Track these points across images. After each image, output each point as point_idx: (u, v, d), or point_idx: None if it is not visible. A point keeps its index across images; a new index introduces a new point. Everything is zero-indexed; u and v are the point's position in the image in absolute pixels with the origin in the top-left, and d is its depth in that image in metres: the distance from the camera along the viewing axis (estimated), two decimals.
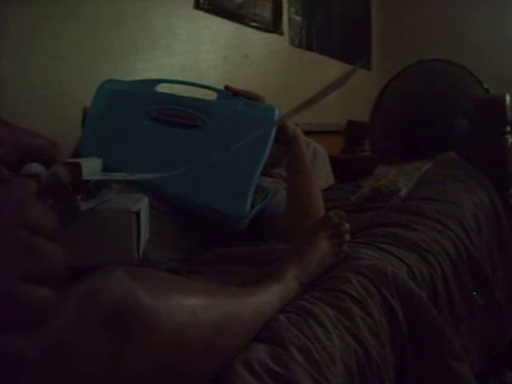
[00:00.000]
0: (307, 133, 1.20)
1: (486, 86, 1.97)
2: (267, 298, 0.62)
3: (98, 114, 1.03)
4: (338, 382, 0.55)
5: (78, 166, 0.34)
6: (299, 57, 2.67)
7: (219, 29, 2.06)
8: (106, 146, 1.00)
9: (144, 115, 1.00)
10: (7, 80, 1.27)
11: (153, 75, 1.63)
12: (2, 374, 0.25)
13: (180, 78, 1.12)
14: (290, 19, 2.57)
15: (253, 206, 0.96)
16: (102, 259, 0.39)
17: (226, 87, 1.02)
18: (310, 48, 2.77)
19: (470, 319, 1.05)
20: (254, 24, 2.25)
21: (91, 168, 0.37)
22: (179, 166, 0.96)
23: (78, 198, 0.35)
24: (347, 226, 0.85)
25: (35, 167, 0.31)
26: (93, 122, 1.04)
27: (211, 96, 1.04)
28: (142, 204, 0.41)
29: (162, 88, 1.06)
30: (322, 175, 1.83)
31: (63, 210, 0.32)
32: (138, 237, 0.39)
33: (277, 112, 0.98)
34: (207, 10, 1.97)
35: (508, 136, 1.66)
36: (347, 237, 0.85)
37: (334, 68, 3.08)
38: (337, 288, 0.71)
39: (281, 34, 2.48)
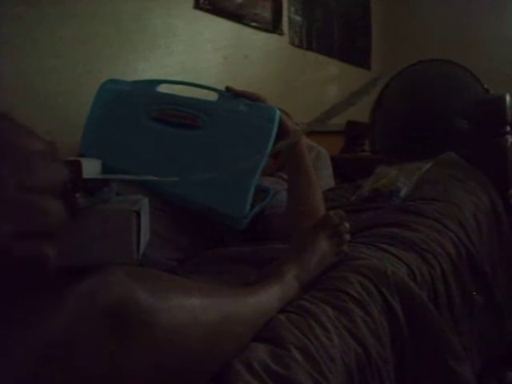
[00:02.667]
0: (307, 133, 1.20)
1: (485, 85, 1.97)
2: (267, 297, 0.62)
3: (98, 113, 1.03)
4: (338, 382, 0.55)
5: (78, 164, 0.34)
6: (299, 57, 2.67)
7: (219, 29, 2.06)
8: (106, 145, 1.00)
9: (145, 115, 1.00)
10: (6, 80, 1.27)
11: (152, 75, 1.63)
12: (29, 275, 0.27)
13: (180, 78, 1.12)
14: (289, 19, 2.57)
15: (253, 206, 0.96)
16: (102, 259, 0.39)
17: (227, 88, 1.02)
18: (309, 48, 2.76)
19: (470, 319, 1.05)
20: (253, 24, 2.25)
21: (91, 168, 0.38)
22: (179, 166, 0.97)
23: (78, 195, 0.35)
24: (347, 225, 0.85)
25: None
26: (93, 122, 1.04)
27: (212, 97, 1.04)
28: (143, 204, 0.41)
29: (162, 88, 1.06)
30: (325, 177, 1.83)
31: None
32: (138, 236, 0.39)
33: (277, 113, 0.98)
34: (207, 10, 1.97)
35: (508, 136, 1.66)
36: (347, 237, 0.85)
37: (334, 68, 3.08)
38: (337, 288, 0.71)
39: (281, 34, 2.48)
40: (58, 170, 0.29)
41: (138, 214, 0.39)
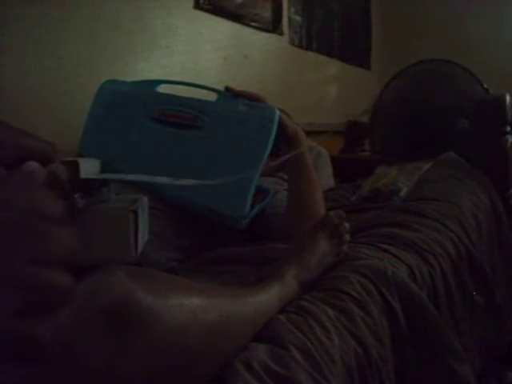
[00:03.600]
0: (307, 133, 1.20)
1: (485, 85, 1.97)
2: (267, 297, 0.62)
3: (98, 114, 1.03)
4: (338, 382, 0.55)
5: (76, 164, 0.34)
6: (299, 57, 2.67)
7: (219, 29, 2.06)
8: (106, 146, 1.00)
9: (144, 115, 1.00)
10: (6, 80, 1.27)
11: (152, 75, 1.63)
12: (17, 357, 0.25)
13: (180, 78, 1.12)
14: (290, 19, 2.57)
15: (253, 207, 0.96)
16: (101, 258, 0.39)
17: (227, 88, 1.02)
18: (309, 48, 2.77)
19: (470, 319, 1.05)
20: (253, 24, 2.25)
21: (90, 168, 0.38)
22: (179, 166, 0.97)
23: (76, 195, 0.35)
24: (347, 225, 0.85)
25: (33, 166, 0.31)
26: (93, 122, 1.04)
27: (212, 97, 1.04)
28: (141, 203, 0.42)
29: (162, 88, 1.06)
30: (325, 177, 1.83)
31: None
32: (136, 235, 0.39)
33: (277, 113, 0.98)
34: (207, 10, 1.97)
35: (508, 136, 1.66)
36: (347, 237, 0.85)
37: (334, 68, 3.08)
38: (337, 288, 0.71)
39: (281, 34, 2.48)
40: (71, 236, 0.27)
41: (136, 212, 0.39)
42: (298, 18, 2.66)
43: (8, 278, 0.24)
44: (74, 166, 0.34)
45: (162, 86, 1.06)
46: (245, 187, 0.94)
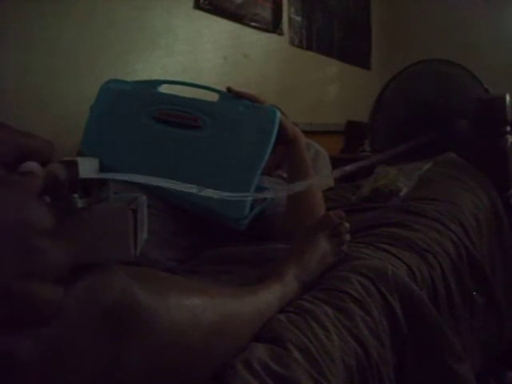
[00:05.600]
0: (307, 133, 1.20)
1: (485, 85, 1.97)
2: (267, 297, 0.62)
3: (99, 113, 1.03)
4: (338, 382, 0.55)
5: (75, 164, 0.34)
6: (299, 57, 2.67)
7: (219, 29, 2.06)
8: (107, 145, 1.00)
9: (145, 115, 1.00)
10: (5, 80, 1.27)
11: (152, 75, 1.63)
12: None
13: (180, 78, 1.12)
14: (290, 19, 2.58)
15: (253, 207, 0.96)
16: (100, 257, 0.39)
17: (228, 89, 1.02)
18: (309, 48, 2.77)
19: (470, 319, 1.05)
20: (253, 24, 2.26)
21: (89, 167, 0.38)
22: (180, 166, 0.96)
23: (75, 195, 0.35)
24: (347, 225, 0.85)
25: (32, 166, 0.31)
26: (94, 121, 1.04)
27: (213, 97, 1.04)
28: (140, 202, 0.42)
29: (163, 88, 1.06)
30: (324, 176, 1.83)
31: (60, 207, 0.32)
32: (135, 234, 0.39)
33: (278, 114, 0.98)
34: (207, 10, 1.97)
35: (508, 136, 1.66)
36: (347, 237, 0.85)
37: (334, 68, 3.08)
38: (337, 288, 0.71)
39: (281, 34, 2.49)
40: (62, 248, 0.27)
41: (135, 211, 0.39)
42: (298, 18, 2.66)
43: None
44: (73, 166, 0.34)
45: (164, 85, 1.06)
46: (245, 188, 0.94)
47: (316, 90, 2.82)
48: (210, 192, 0.43)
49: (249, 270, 0.83)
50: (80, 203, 0.36)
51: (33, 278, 0.25)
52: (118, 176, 0.39)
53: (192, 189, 0.42)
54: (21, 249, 0.25)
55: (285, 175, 1.24)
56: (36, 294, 0.25)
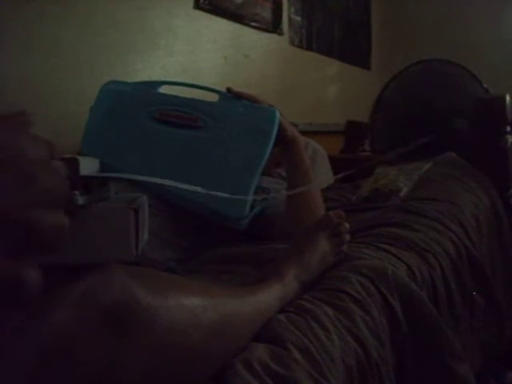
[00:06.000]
0: (307, 133, 1.20)
1: (485, 85, 1.97)
2: (267, 297, 0.62)
3: (99, 114, 1.03)
4: (338, 382, 0.55)
5: (76, 162, 0.34)
6: (299, 57, 2.67)
7: (219, 29, 2.06)
8: (107, 146, 1.00)
9: (145, 116, 1.00)
10: (5, 80, 1.27)
11: (152, 75, 1.63)
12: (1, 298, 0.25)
13: (180, 78, 1.13)
14: (290, 19, 2.58)
15: (253, 207, 0.96)
16: (101, 257, 0.39)
17: (228, 89, 1.02)
18: (309, 48, 2.77)
19: (470, 319, 1.05)
20: (253, 24, 2.26)
21: (89, 166, 0.37)
22: (180, 166, 0.96)
23: (76, 192, 0.35)
24: (347, 225, 0.85)
25: None
26: (94, 122, 1.04)
27: (213, 98, 1.04)
28: (141, 202, 0.42)
29: (163, 89, 1.06)
30: (322, 175, 1.83)
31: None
32: (137, 234, 0.39)
33: (278, 114, 0.98)
34: (207, 10, 1.97)
35: (508, 136, 1.66)
36: (347, 237, 0.85)
37: (333, 68, 3.08)
38: (337, 288, 0.71)
39: (281, 34, 2.49)
40: (60, 176, 0.28)
41: (136, 211, 0.39)
42: (298, 18, 2.66)
43: None
44: (73, 164, 0.34)
45: (163, 86, 1.06)
46: (245, 188, 0.94)
47: (316, 90, 2.82)
48: (215, 192, 0.43)
49: (249, 269, 0.83)
50: (81, 200, 0.36)
51: (33, 205, 0.25)
52: (123, 176, 0.39)
53: (197, 189, 0.43)
54: (17, 178, 0.25)
55: (284, 174, 1.24)
56: (38, 219, 0.25)
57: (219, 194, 0.43)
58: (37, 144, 0.27)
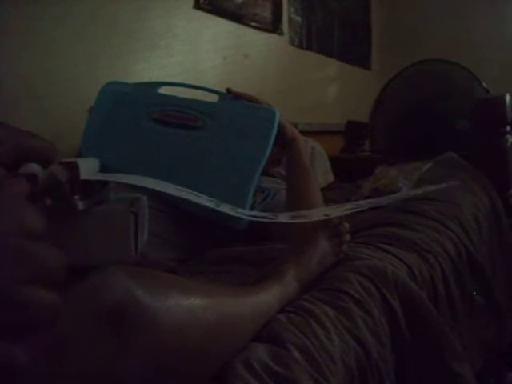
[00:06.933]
0: (307, 133, 1.20)
1: (485, 85, 1.97)
2: (267, 297, 0.62)
3: (99, 115, 1.03)
4: (338, 382, 0.55)
5: (76, 166, 0.34)
6: (299, 57, 2.67)
7: (219, 29, 2.06)
8: (106, 147, 1.00)
9: (145, 116, 1.00)
10: (5, 80, 1.27)
11: (152, 75, 1.63)
12: None
13: (180, 78, 1.13)
14: (290, 19, 2.58)
15: (253, 207, 0.96)
16: (101, 258, 0.39)
17: (228, 90, 1.02)
18: (309, 48, 2.77)
19: (470, 319, 1.05)
20: (253, 24, 2.26)
21: (89, 168, 0.38)
22: (180, 167, 0.96)
23: (76, 197, 0.35)
24: (347, 225, 0.85)
25: (33, 167, 0.31)
26: (94, 123, 1.04)
27: (212, 98, 1.04)
28: (141, 204, 0.42)
29: (163, 90, 1.06)
30: (320, 173, 1.83)
31: (61, 209, 0.32)
32: (136, 236, 0.39)
33: (277, 114, 0.98)
34: (207, 10, 1.97)
35: (508, 136, 1.66)
36: (347, 237, 0.85)
37: (333, 68, 3.08)
38: (337, 288, 0.71)
39: (281, 34, 2.49)
40: (54, 252, 0.26)
41: (136, 213, 0.39)
42: (298, 18, 2.66)
43: None
44: (73, 168, 0.34)
45: (163, 87, 1.06)
46: (245, 188, 0.94)
47: (316, 90, 2.82)
48: (227, 208, 0.43)
49: (249, 269, 0.83)
50: (81, 205, 0.36)
51: (29, 283, 0.24)
52: (118, 177, 0.39)
53: (211, 203, 0.43)
54: (13, 255, 0.24)
55: (283, 172, 1.25)
56: (33, 297, 0.24)
57: (227, 208, 0.43)
58: (32, 215, 0.26)
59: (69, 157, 0.35)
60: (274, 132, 0.96)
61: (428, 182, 1.49)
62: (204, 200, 0.42)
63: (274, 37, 2.43)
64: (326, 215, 0.72)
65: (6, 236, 0.24)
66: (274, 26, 2.42)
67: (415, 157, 1.71)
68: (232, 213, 0.44)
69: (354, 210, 0.76)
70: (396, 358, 0.70)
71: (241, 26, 2.18)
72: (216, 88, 1.05)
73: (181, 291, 0.46)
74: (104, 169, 0.43)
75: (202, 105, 1.00)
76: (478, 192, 1.49)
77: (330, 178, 1.90)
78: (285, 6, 2.52)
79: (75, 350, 0.36)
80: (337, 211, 0.73)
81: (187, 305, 0.45)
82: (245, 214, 0.46)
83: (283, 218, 0.65)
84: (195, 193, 0.42)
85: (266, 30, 2.36)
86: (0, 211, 0.25)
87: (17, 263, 0.24)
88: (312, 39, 2.78)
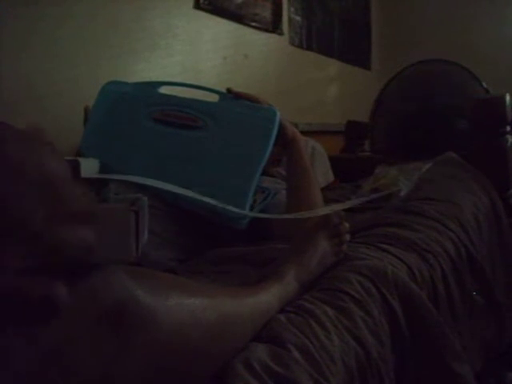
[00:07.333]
0: (307, 133, 1.20)
1: (485, 85, 1.97)
2: (267, 297, 0.62)
3: (99, 114, 1.03)
4: (338, 382, 0.55)
5: (77, 164, 0.34)
6: (299, 57, 2.67)
7: (219, 29, 2.06)
8: (106, 146, 1.00)
9: (145, 116, 1.00)
10: (5, 80, 1.27)
11: (152, 75, 1.63)
12: (34, 316, 0.25)
13: (180, 78, 1.13)
14: (289, 19, 2.58)
15: (253, 207, 0.96)
16: (101, 258, 0.39)
17: (228, 90, 1.02)
18: (309, 48, 2.77)
19: (470, 319, 1.05)
20: (253, 24, 2.26)
21: (89, 167, 0.38)
22: (180, 167, 0.96)
23: None
24: (347, 225, 0.85)
25: None
26: (94, 122, 1.04)
27: (212, 98, 1.04)
28: (141, 203, 0.42)
29: (163, 89, 1.06)
30: (321, 173, 1.83)
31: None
32: (137, 235, 0.39)
33: (278, 114, 0.98)
34: (207, 10, 1.97)
35: (508, 136, 1.66)
36: (347, 237, 0.85)
37: (334, 68, 3.08)
38: (337, 288, 0.71)
39: (281, 34, 2.49)
40: (83, 192, 0.28)
41: (137, 213, 0.39)
42: (298, 18, 2.66)
43: (25, 235, 0.24)
44: (74, 166, 0.34)
45: (163, 86, 1.06)
46: (245, 188, 0.94)
47: (316, 90, 2.82)
48: (232, 208, 0.43)
49: (249, 269, 0.83)
50: None
51: (59, 221, 0.25)
52: (118, 177, 0.39)
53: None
54: (43, 195, 0.25)
55: (283, 172, 1.25)
56: (65, 235, 0.25)
57: (232, 208, 0.43)
58: (57, 159, 0.27)
59: (69, 156, 0.35)
60: (275, 132, 0.96)
61: (428, 182, 1.49)
62: (207, 199, 0.42)
63: (273, 37, 2.43)
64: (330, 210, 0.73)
65: (35, 177, 0.25)
66: (273, 26, 2.42)
67: (415, 157, 1.71)
68: (237, 211, 0.44)
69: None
70: (396, 358, 0.70)
71: (241, 26, 2.18)
72: (216, 88, 1.05)
73: (181, 291, 0.46)
74: (104, 169, 0.43)
75: (203, 105, 1.00)
76: (478, 192, 1.49)
77: (330, 177, 1.90)
78: (285, 6, 2.52)
79: (75, 350, 0.36)
80: (338, 206, 0.74)
81: (187, 305, 0.45)
82: (248, 213, 0.46)
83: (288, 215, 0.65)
84: (195, 193, 0.42)
85: (265, 30, 2.36)
86: (26, 155, 0.26)
87: (47, 202, 0.25)
88: (312, 39, 2.78)
